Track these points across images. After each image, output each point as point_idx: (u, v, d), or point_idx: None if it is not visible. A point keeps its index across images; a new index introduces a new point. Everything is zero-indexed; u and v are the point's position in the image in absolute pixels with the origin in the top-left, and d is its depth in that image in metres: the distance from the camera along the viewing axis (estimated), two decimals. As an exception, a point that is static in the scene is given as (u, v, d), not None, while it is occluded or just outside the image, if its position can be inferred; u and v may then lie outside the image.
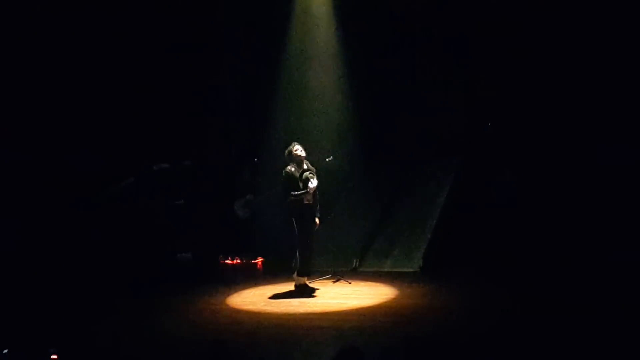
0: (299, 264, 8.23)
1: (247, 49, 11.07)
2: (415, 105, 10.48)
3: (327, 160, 8.85)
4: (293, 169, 8.14)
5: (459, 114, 10.44)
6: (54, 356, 5.00)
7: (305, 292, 8.22)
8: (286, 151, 8.25)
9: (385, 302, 7.61)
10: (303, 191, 8.04)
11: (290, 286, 8.48)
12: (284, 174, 8.17)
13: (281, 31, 10.97)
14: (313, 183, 8.06)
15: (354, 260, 9.83)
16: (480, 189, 9.82)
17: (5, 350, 4.90)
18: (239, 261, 10.47)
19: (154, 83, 10.01)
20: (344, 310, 7.31)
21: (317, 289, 8.38)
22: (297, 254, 8.22)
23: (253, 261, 10.44)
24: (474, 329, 6.26)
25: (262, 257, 10.45)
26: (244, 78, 11.15)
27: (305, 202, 8.11)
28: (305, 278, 8.35)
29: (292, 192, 8.05)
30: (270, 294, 8.33)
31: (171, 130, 10.23)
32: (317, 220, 8.28)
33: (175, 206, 10.21)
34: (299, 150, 8.19)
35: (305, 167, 8.20)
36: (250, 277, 9.48)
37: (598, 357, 5.20)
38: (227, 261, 10.47)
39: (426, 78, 10.40)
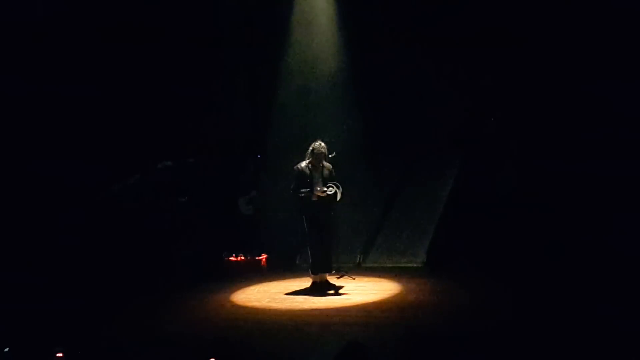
0: (310, 262, 8.23)
1: (248, 45, 11.07)
2: (419, 98, 10.47)
3: (329, 156, 8.84)
4: (303, 165, 8.07)
5: (462, 107, 10.44)
6: (60, 354, 5.01)
7: (317, 288, 8.11)
8: (310, 147, 8.08)
9: (389, 297, 7.63)
10: (308, 189, 7.99)
11: (294, 283, 8.53)
12: (295, 170, 8.10)
13: (282, 25, 10.96)
14: (328, 190, 7.98)
15: (358, 256, 9.84)
16: (483, 183, 9.81)
17: (7, 349, 4.91)
18: (243, 258, 10.52)
19: (156, 80, 10.02)
20: (348, 306, 7.33)
21: (341, 286, 8.25)
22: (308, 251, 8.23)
23: (257, 258, 10.49)
24: (477, 324, 6.27)
25: (266, 254, 10.49)
26: (246, 74, 11.15)
27: (314, 199, 8.00)
28: (325, 275, 8.24)
29: (302, 190, 8.01)
30: (275, 290, 8.32)
31: (175, 128, 10.24)
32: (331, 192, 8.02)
33: (179, 204, 10.23)
34: (323, 147, 8.04)
35: (322, 165, 8.08)
36: (255, 274, 9.48)
37: (602, 354, 5.19)
38: (231, 258, 10.52)
39: (429, 71, 10.38)
